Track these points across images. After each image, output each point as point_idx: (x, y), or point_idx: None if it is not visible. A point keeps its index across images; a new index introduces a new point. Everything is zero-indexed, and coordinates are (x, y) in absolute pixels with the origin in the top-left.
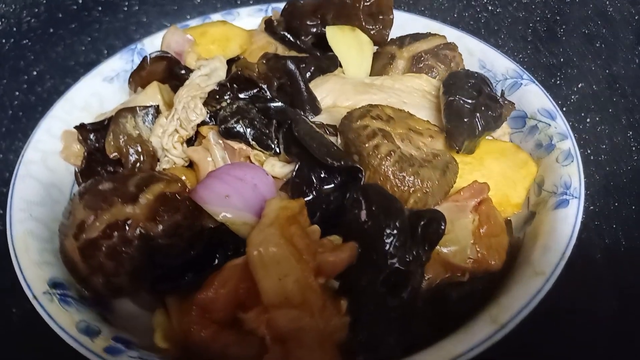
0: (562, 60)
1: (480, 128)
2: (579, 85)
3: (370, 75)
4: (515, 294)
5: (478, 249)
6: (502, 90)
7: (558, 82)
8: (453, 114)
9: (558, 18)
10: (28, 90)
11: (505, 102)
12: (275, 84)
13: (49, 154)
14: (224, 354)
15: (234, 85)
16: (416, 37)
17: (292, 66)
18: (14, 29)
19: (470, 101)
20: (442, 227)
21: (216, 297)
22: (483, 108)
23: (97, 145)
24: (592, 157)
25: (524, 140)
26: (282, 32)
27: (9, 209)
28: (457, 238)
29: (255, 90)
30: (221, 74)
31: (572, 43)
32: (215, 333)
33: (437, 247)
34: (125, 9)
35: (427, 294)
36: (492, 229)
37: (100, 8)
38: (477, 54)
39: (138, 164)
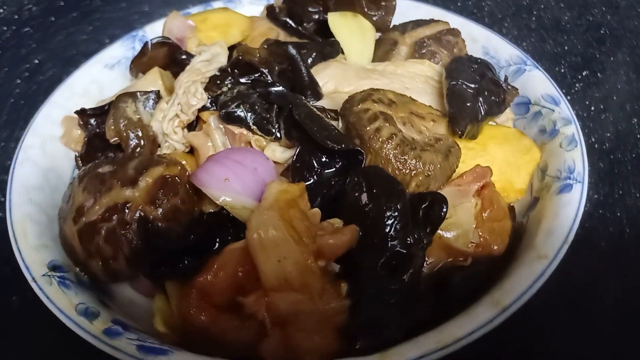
0: (566, 48)
1: (483, 112)
2: (584, 74)
3: (372, 62)
4: (518, 278)
5: (480, 234)
6: (506, 75)
7: (562, 70)
8: (455, 98)
9: (562, 5)
10: (29, 79)
11: (509, 87)
12: (277, 68)
13: (48, 139)
14: (223, 338)
15: (235, 71)
16: (419, 24)
17: (293, 51)
18: (15, 16)
19: (472, 85)
20: (444, 210)
21: (215, 280)
22: (486, 93)
23: (97, 130)
24: (596, 146)
25: (527, 126)
26: (283, 19)
27: (9, 194)
28: (459, 222)
29: (256, 75)
30: (222, 60)
31: (577, 31)
32: (214, 317)
33: (439, 231)
34: None
35: (429, 278)
36: (494, 213)
37: None
38: (481, 41)
39: (138, 149)
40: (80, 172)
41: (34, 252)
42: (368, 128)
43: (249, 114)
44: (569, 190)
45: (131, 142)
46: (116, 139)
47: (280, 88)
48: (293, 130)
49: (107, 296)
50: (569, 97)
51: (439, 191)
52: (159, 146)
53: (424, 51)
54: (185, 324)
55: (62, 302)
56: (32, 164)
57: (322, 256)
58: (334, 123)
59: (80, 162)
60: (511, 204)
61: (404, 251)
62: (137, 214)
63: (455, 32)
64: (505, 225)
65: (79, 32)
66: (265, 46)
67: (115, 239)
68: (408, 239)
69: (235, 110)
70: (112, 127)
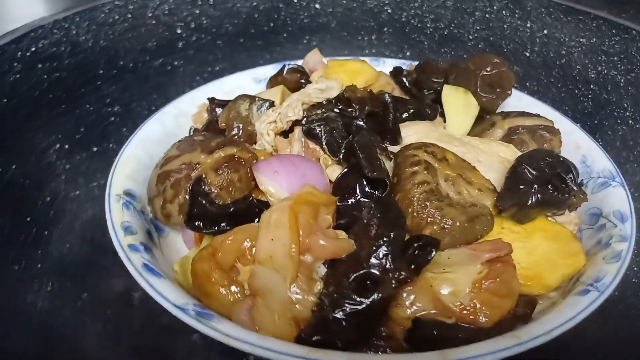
0: None
1: (533, 200)
2: None
3: (467, 135)
4: (482, 346)
5: (473, 300)
6: (582, 180)
7: None
8: (512, 177)
9: None
10: (206, 80)
11: (578, 191)
12: (367, 109)
13: (182, 113)
14: (212, 291)
15: (335, 102)
16: (523, 114)
17: (388, 99)
18: (214, 29)
19: (535, 173)
20: (433, 253)
21: (227, 242)
22: (548, 186)
23: (217, 117)
24: None
25: (592, 236)
26: (402, 78)
27: (132, 137)
28: (456, 280)
29: (349, 110)
30: (333, 93)
31: None
32: (213, 271)
33: (434, 281)
34: (305, 41)
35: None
36: (497, 287)
37: (285, 35)
38: (583, 149)
39: (235, 137)
40: (185, 136)
41: (122, 179)
42: (407, 169)
43: (325, 135)
44: (584, 294)
45: (233, 131)
46: (224, 125)
47: (362, 123)
48: (351, 155)
49: (160, 236)
50: None
51: (451, 249)
52: (255, 142)
53: (514, 137)
54: (192, 271)
55: (116, 215)
56: (161, 124)
57: (309, 252)
58: (387, 162)
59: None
60: (534, 297)
61: (378, 274)
62: (201, 174)
63: (552, 130)
64: (504, 304)
65: (259, 56)
66: (369, 90)
67: (178, 187)
68: (387, 265)
69: (316, 128)
70: (224, 116)
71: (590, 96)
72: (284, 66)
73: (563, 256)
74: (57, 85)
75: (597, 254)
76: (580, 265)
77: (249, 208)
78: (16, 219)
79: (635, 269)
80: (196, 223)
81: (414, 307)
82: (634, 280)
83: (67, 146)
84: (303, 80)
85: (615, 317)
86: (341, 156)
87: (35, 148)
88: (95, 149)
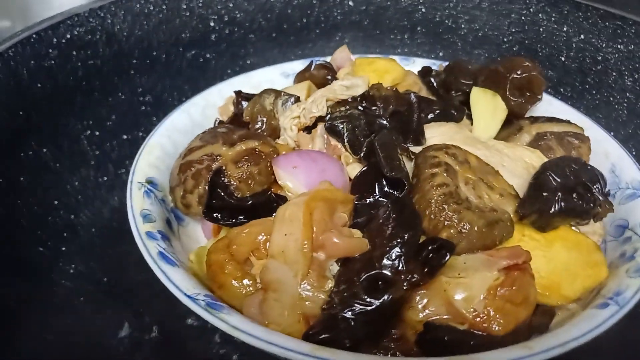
0: None
1: (556, 209)
2: None
3: (493, 139)
4: (492, 355)
5: (487, 307)
6: (609, 190)
7: None
8: (535, 184)
9: None
10: (237, 74)
11: (604, 201)
12: (391, 107)
13: (210, 105)
14: (223, 284)
15: (360, 100)
16: (552, 120)
17: (414, 99)
18: (247, 23)
19: (559, 180)
20: (447, 256)
21: (243, 234)
22: (573, 194)
23: (242, 111)
24: None
25: (616, 248)
26: (429, 78)
27: (160, 124)
28: (470, 285)
29: (373, 108)
30: (359, 91)
31: None
32: (225, 261)
33: (448, 285)
34: (337, 39)
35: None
36: (512, 295)
37: (317, 31)
38: (612, 158)
39: (259, 131)
40: (209, 128)
41: (145, 167)
42: (427, 171)
43: (347, 132)
44: (603, 307)
45: (257, 125)
46: (248, 118)
47: (385, 122)
48: (372, 154)
49: (180, 225)
50: None
51: (467, 254)
52: (278, 137)
53: (541, 143)
54: (207, 261)
55: (136, 203)
56: (187, 115)
57: (323, 249)
58: (408, 163)
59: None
60: (552, 307)
61: (389, 275)
62: (221, 166)
63: (582, 138)
64: (519, 313)
65: (290, 52)
66: (395, 88)
67: (198, 177)
68: (400, 267)
69: (338, 125)
70: (249, 109)
71: (625, 104)
72: (311, 62)
73: (584, 267)
74: (91, 73)
75: (620, 267)
76: (602, 278)
77: (267, 202)
78: (45, 201)
79: None
80: (214, 214)
81: (427, 310)
82: None
83: (97, 133)
84: (329, 77)
85: (637, 333)
86: (362, 154)
87: (68, 133)
88: (125, 136)
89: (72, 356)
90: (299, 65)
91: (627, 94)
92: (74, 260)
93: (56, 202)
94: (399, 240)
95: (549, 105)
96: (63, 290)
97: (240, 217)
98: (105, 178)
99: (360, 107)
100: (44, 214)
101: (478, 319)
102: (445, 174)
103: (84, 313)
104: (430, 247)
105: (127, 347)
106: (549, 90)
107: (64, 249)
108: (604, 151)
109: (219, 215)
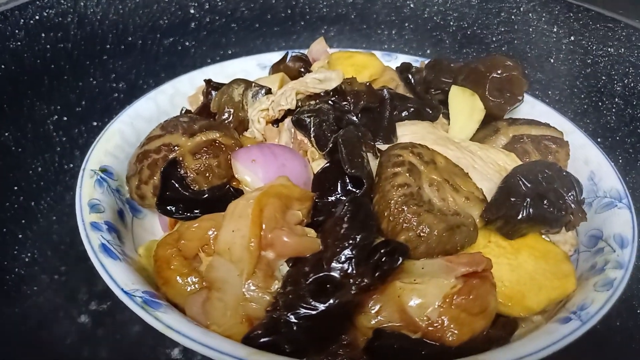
0: None
1: (524, 215)
2: None
3: (469, 140)
4: None
5: (441, 315)
6: (583, 198)
7: None
8: (504, 189)
9: None
10: (217, 61)
11: (577, 209)
12: (362, 103)
13: (178, 94)
14: (168, 281)
15: (333, 95)
16: (531, 122)
17: (386, 95)
18: (229, 12)
19: (529, 186)
20: (399, 260)
21: (192, 229)
22: (543, 200)
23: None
24: None
25: (588, 259)
26: (407, 75)
27: (123, 111)
28: (425, 292)
29: (343, 103)
30: (332, 85)
31: None
32: (172, 257)
33: (402, 291)
34: (323, 31)
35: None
36: (469, 304)
37: (302, 23)
38: (592, 165)
39: (225, 122)
40: (172, 117)
41: (101, 155)
42: (389, 170)
43: (314, 127)
44: (565, 322)
45: (223, 116)
46: (215, 108)
47: (354, 119)
48: (336, 151)
49: (135, 217)
50: None
51: (426, 259)
52: (246, 129)
53: (517, 146)
54: (154, 256)
55: (86, 191)
56: (154, 103)
57: (271, 247)
58: (373, 161)
59: None
60: (516, 319)
61: (338, 278)
62: (178, 157)
63: (560, 142)
64: (475, 324)
65: (274, 43)
66: (368, 84)
67: (154, 168)
68: (349, 270)
69: (305, 119)
70: (216, 99)
71: (614, 110)
72: (287, 53)
73: (550, 278)
74: (61, 56)
75: (589, 280)
76: (569, 290)
77: (225, 196)
78: (4, 185)
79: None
80: (167, 207)
81: (379, 317)
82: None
83: (65, 118)
84: (303, 69)
85: (605, 350)
86: (327, 150)
87: (33, 117)
88: (95, 123)
89: (20, 344)
90: (276, 56)
91: (616, 100)
92: (29, 248)
93: (15, 188)
94: (350, 241)
95: (531, 108)
96: (16, 278)
97: (196, 210)
98: (72, 165)
99: (330, 102)
100: (1, 198)
101: (431, 328)
102: (407, 174)
103: (36, 303)
104: (382, 251)
105: (75, 339)
106: (537, 93)
107: (20, 235)
108: (584, 157)
109: (173, 208)
